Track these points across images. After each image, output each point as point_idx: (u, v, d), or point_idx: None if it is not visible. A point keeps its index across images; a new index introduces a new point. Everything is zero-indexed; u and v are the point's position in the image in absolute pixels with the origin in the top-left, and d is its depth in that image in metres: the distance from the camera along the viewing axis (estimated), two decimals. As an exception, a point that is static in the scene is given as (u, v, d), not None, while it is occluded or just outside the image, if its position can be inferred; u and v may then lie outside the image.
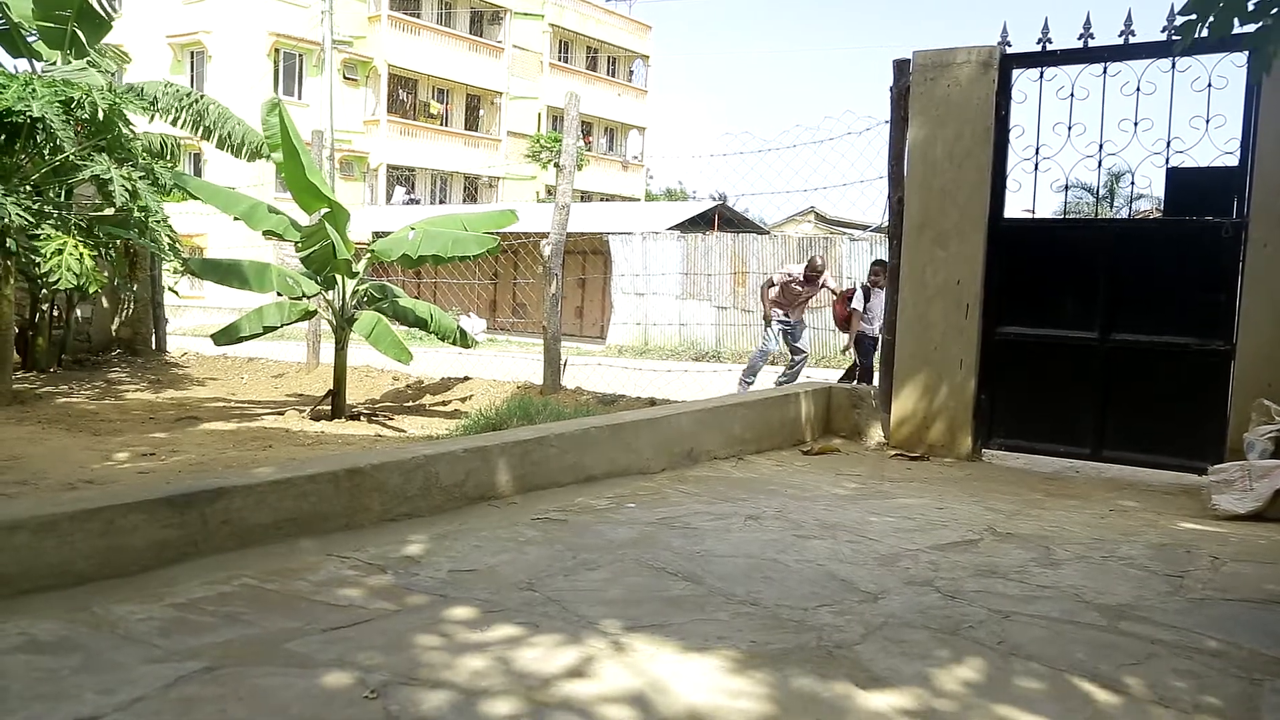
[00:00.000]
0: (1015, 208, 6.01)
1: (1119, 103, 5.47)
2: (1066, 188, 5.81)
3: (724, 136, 41.54)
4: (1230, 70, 5.23)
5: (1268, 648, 2.68)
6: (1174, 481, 5.42)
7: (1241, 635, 2.77)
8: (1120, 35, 5.43)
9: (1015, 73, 5.78)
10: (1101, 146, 5.54)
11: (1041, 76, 5.69)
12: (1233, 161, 5.31)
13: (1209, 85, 5.27)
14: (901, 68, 6.16)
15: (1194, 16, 2.76)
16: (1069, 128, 5.62)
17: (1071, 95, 5.59)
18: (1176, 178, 5.52)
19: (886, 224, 6.50)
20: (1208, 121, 5.27)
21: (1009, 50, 5.81)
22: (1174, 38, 2.93)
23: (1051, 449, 5.83)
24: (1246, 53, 5.03)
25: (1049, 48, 5.65)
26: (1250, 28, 2.81)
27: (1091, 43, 5.52)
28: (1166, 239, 5.57)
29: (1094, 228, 5.87)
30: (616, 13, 42.37)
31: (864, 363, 10.47)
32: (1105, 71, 5.50)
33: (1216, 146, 5.32)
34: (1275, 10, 2.68)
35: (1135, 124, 5.44)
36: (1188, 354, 5.39)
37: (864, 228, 20.93)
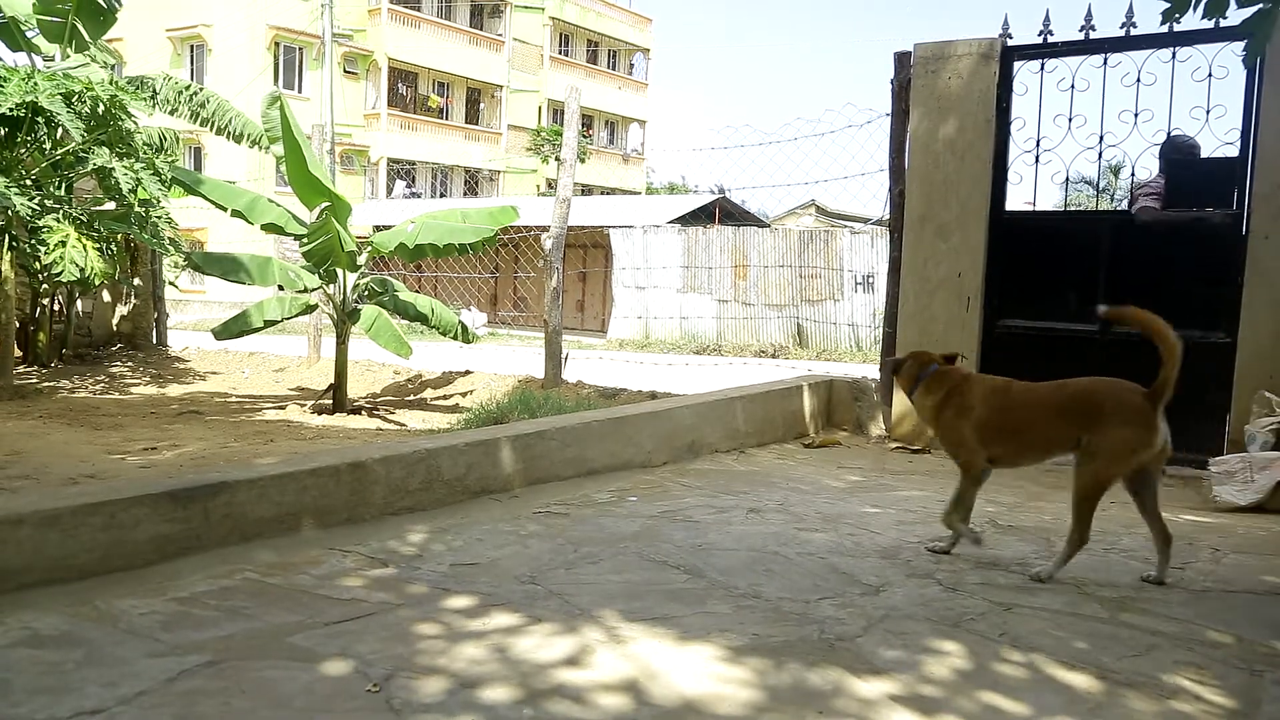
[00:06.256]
0: (1017, 200, 6.00)
1: (1121, 94, 5.46)
2: (1067, 180, 5.79)
3: (725, 130, 41.55)
4: (1231, 60, 5.20)
5: (1269, 639, 2.68)
6: (1175, 473, 5.42)
7: (1243, 627, 2.77)
8: (1122, 27, 5.42)
9: (1017, 65, 5.77)
10: (1102, 138, 5.52)
11: (1043, 68, 5.68)
12: (1233, 152, 5.28)
13: (1209, 75, 5.23)
14: (902, 60, 6.14)
15: None
16: (1069, 119, 5.60)
17: (1072, 87, 5.58)
18: (1177, 167, 5.47)
19: (888, 217, 6.49)
20: (1208, 112, 5.23)
21: (1010, 42, 5.80)
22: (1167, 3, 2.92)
23: None
24: (1245, 41, 5.00)
25: (1050, 40, 5.64)
26: (1246, 12, 2.79)
27: (1093, 35, 5.50)
28: (1166, 231, 5.52)
29: (1093, 220, 5.85)
30: (617, 5, 42.29)
31: None
32: (1105, 63, 5.47)
33: (1217, 137, 5.30)
34: None
35: (1135, 115, 5.41)
36: (1189, 347, 5.35)
37: (865, 221, 20.91)
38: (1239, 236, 5.24)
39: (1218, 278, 5.30)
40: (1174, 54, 5.31)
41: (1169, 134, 5.47)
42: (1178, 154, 5.52)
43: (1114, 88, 5.45)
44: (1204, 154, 5.52)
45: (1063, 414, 3.26)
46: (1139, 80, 5.40)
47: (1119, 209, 6.05)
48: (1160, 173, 5.65)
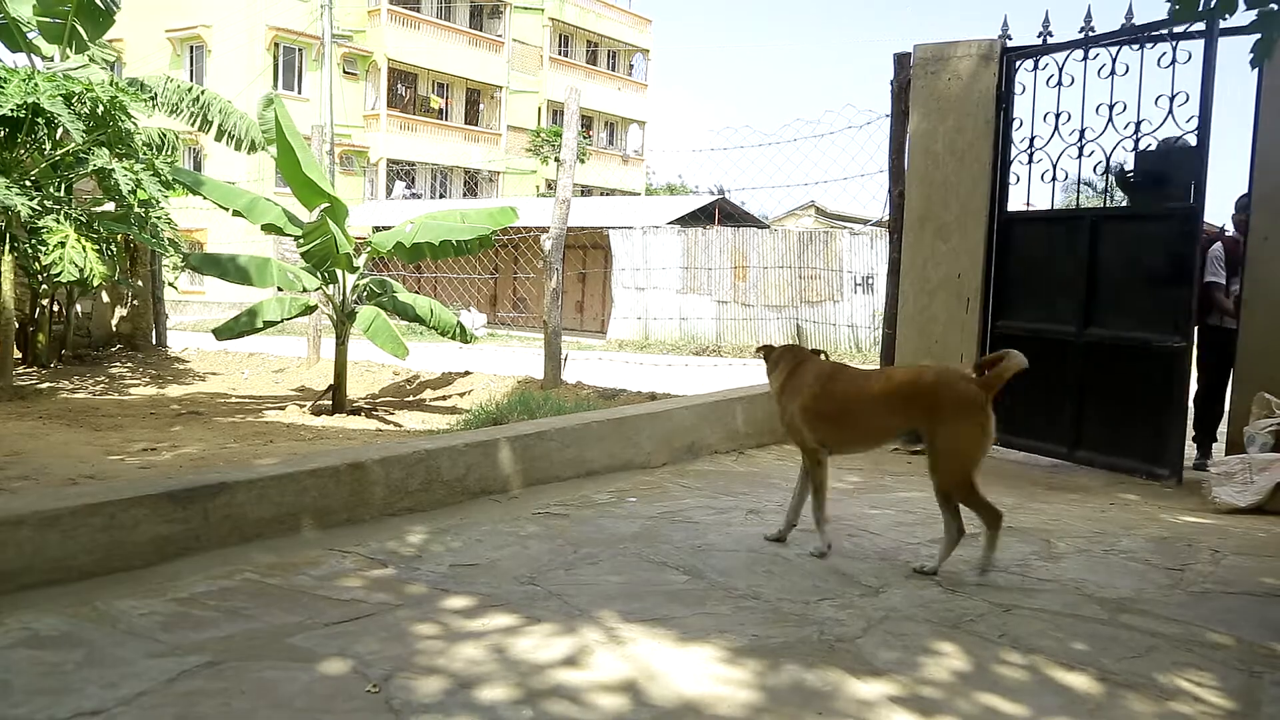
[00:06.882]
0: (1019, 201, 5.98)
1: (1116, 88, 5.33)
2: (1054, 179, 5.70)
3: (724, 131, 41.54)
4: (1196, 45, 4.96)
5: (1268, 640, 2.68)
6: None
7: (1242, 628, 2.77)
8: (1122, 30, 5.38)
9: (1016, 65, 5.76)
10: (1083, 133, 5.46)
11: (1036, 67, 5.64)
12: (1195, 142, 4.98)
13: (1174, 61, 5.04)
14: (902, 61, 6.14)
15: None
16: (1056, 116, 5.56)
17: (1059, 84, 5.51)
18: (1143, 161, 5.30)
19: (888, 218, 6.50)
20: (1171, 99, 5.03)
21: (1010, 43, 5.80)
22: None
23: (1037, 447, 5.74)
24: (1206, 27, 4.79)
25: (1049, 41, 5.62)
26: (1254, 13, 2.78)
27: (1093, 35, 5.46)
28: (1129, 228, 5.34)
29: (1073, 218, 5.71)
30: (617, 6, 42.29)
31: (1211, 383, 5.85)
32: (1086, 57, 5.38)
33: (1179, 126, 5.05)
34: None
35: (1110, 107, 5.29)
36: (1147, 351, 5.15)
37: (865, 222, 20.91)
38: (1192, 233, 5.01)
39: (1174, 277, 5.07)
40: (1141, 40, 5.16)
41: (1137, 124, 5.26)
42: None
43: (1105, 83, 5.34)
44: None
45: (891, 403, 3.26)
46: (1113, 71, 5.28)
47: (1099, 207, 5.96)
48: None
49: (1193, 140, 5.01)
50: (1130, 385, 5.25)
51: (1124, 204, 5.76)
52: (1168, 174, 5.17)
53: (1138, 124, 5.22)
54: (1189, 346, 5.08)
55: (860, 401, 3.33)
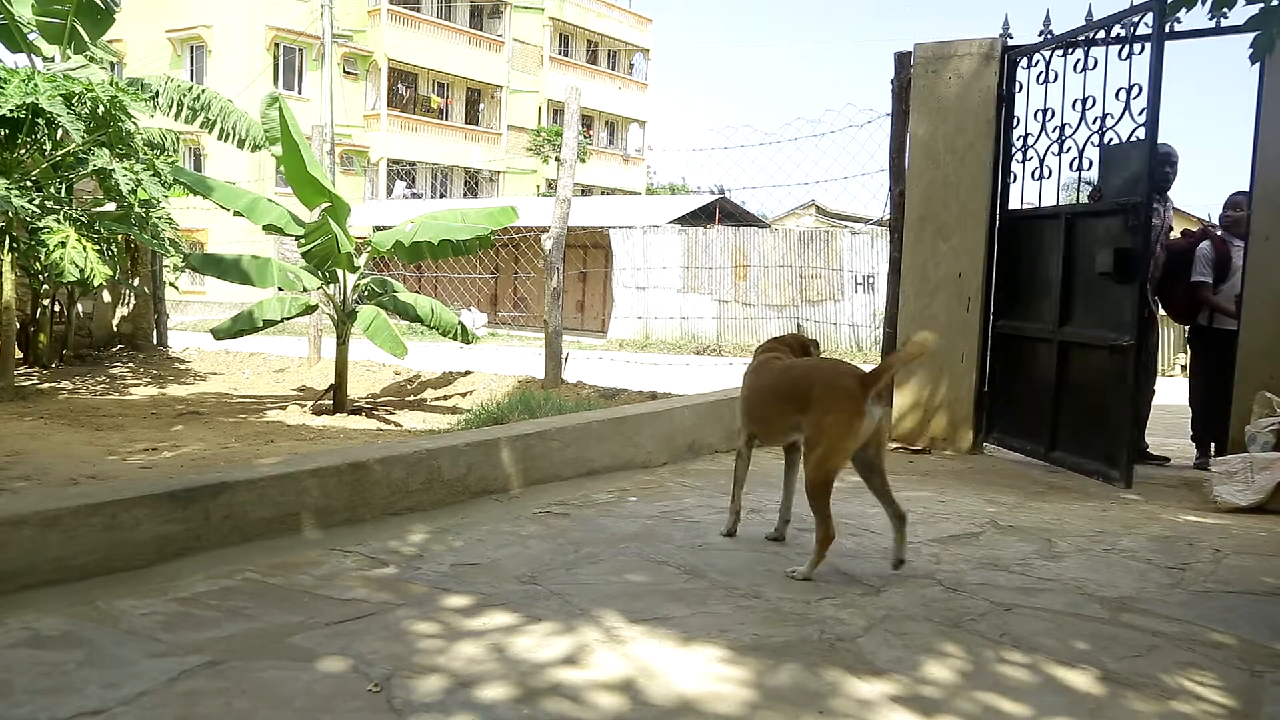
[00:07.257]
0: (1019, 200, 5.97)
1: (1085, 83, 5.28)
2: (1041, 176, 5.66)
3: (725, 130, 41.55)
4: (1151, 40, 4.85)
5: (1269, 640, 2.68)
6: (1175, 475, 5.42)
7: (1243, 627, 2.77)
8: (1121, 28, 5.38)
9: (1017, 64, 5.76)
10: (1063, 129, 5.45)
11: (1030, 65, 5.64)
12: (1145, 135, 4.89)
13: (1130, 55, 4.98)
14: (903, 60, 6.14)
15: None
16: (1042, 112, 5.57)
17: (1046, 80, 5.51)
18: (1107, 155, 5.26)
19: (888, 217, 6.50)
20: (1128, 92, 4.95)
21: (1011, 42, 5.79)
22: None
23: (1023, 446, 5.74)
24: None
25: (1048, 39, 5.62)
26: (1253, 9, 2.78)
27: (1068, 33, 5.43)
28: (1090, 225, 5.31)
29: (1052, 216, 5.71)
30: (617, 6, 42.29)
31: (1205, 382, 5.85)
32: (1066, 54, 5.37)
33: (1134, 119, 4.96)
34: None
35: (1082, 102, 5.26)
36: (1101, 349, 5.10)
37: (865, 221, 20.92)
38: (1139, 227, 4.87)
39: (1122, 274, 4.95)
40: (1106, 33, 5.11)
41: (1102, 118, 5.19)
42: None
43: (1094, 80, 5.31)
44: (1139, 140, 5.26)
45: (783, 396, 3.28)
46: (1085, 67, 5.22)
47: (1071, 204, 5.93)
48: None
49: (1142, 134, 4.95)
50: (1090, 384, 5.23)
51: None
52: (1123, 169, 5.12)
53: (1103, 118, 5.19)
54: (1137, 345, 4.94)
55: (765, 394, 3.40)
